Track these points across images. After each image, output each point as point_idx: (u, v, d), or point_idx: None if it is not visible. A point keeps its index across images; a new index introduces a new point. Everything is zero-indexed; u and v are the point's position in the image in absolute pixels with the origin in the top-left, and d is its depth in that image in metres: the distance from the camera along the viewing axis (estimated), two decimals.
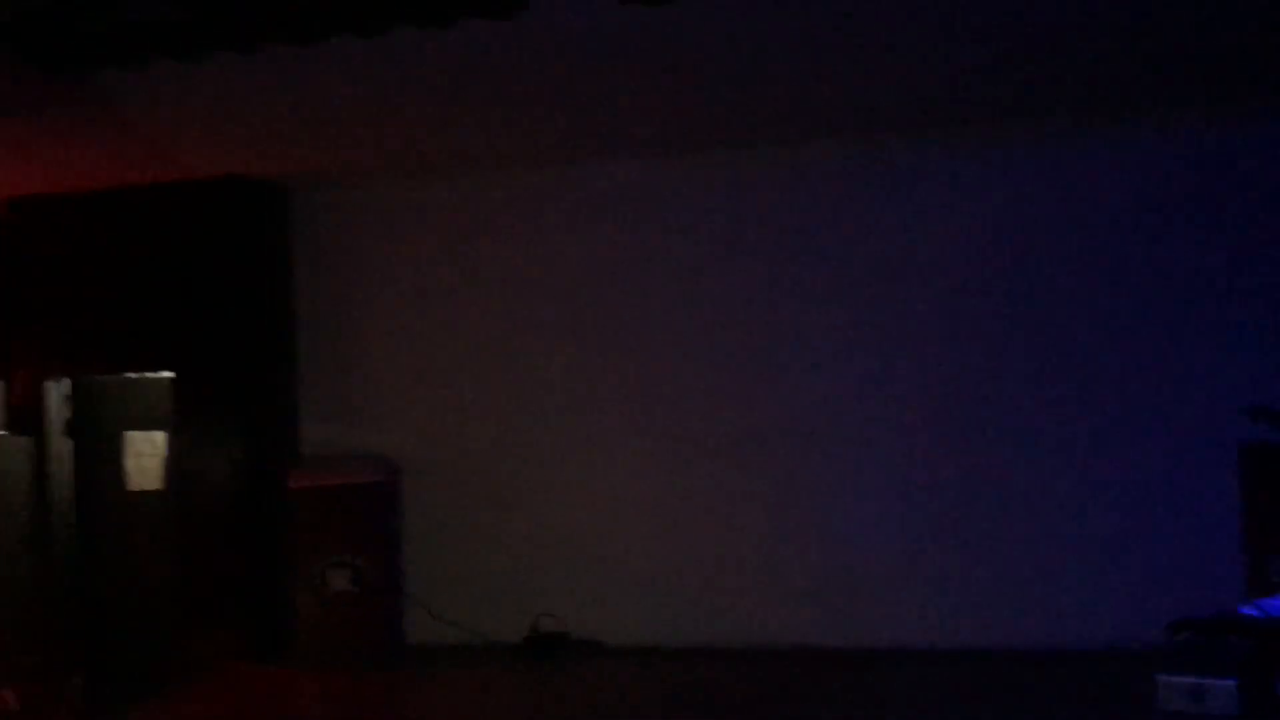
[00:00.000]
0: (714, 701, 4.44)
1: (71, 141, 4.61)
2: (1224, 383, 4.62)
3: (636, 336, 5.24)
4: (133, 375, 4.84)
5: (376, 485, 5.24)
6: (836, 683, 4.62)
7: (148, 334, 5.37)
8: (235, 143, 4.74)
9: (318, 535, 5.19)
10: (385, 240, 5.55)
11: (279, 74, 3.76)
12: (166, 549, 4.75)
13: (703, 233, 5.19)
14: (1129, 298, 4.77)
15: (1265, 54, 3.94)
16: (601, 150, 5.10)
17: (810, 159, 5.05)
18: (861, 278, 5.03)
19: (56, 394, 4.74)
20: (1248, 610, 2.47)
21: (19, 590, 4.61)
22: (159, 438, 4.79)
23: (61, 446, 4.61)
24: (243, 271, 5.39)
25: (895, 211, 5.00)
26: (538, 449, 5.33)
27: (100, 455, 4.64)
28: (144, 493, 4.76)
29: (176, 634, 4.96)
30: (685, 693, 4.56)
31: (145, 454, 4.77)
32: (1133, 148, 4.76)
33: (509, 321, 5.41)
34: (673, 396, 5.19)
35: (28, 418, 5.21)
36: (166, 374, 4.87)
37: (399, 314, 5.55)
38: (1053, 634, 4.73)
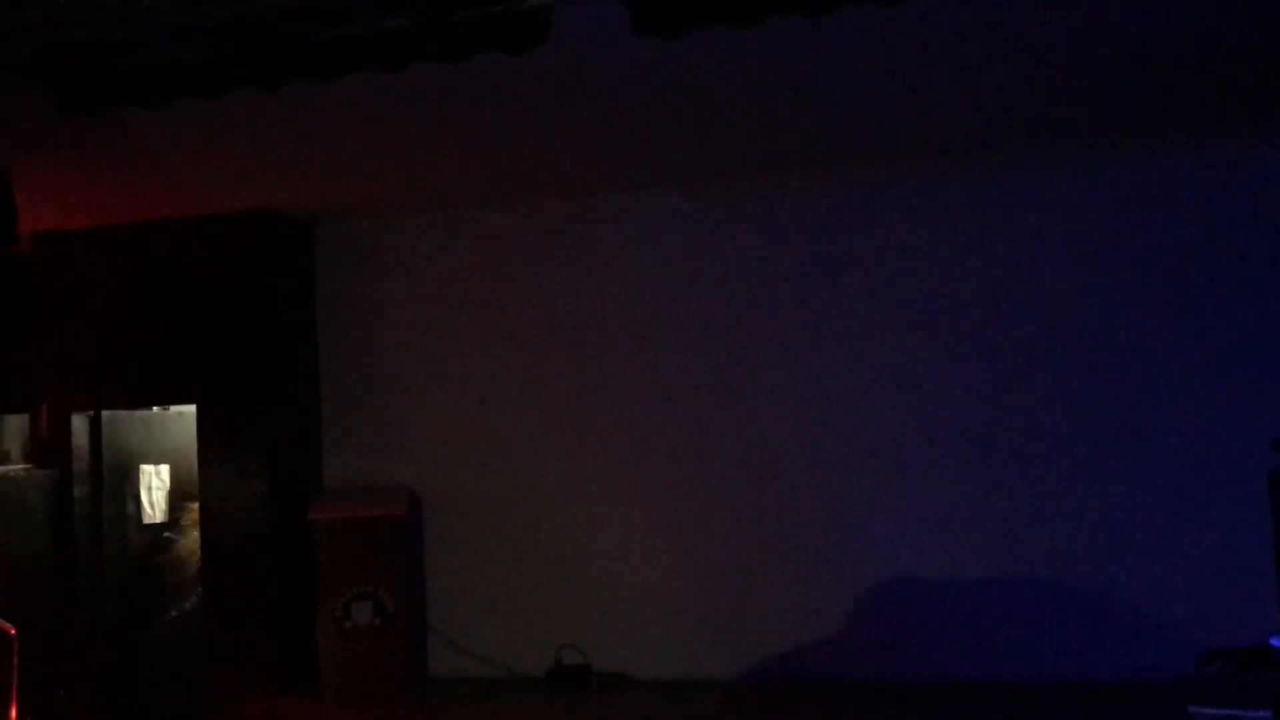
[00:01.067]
0: None
1: (96, 178, 4.66)
2: (1253, 408, 4.56)
3: (661, 369, 5.23)
4: (156, 409, 4.88)
5: (399, 517, 5.22)
6: (868, 717, 4.57)
7: (173, 367, 5.40)
8: (258, 177, 4.79)
9: (340, 568, 5.18)
10: (408, 272, 5.58)
11: (301, 109, 3.80)
12: (188, 583, 4.78)
13: (729, 262, 5.18)
14: (1155, 324, 4.74)
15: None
16: (625, 181, 5.11)
17: (813, 188, 5.06)
18: (877, 309, 5.01)
19: (81, 427, 4.79)
20: (1278, 642, 2.43)
21: (42, 625, 4.61)
22: (165, 471, 4.81)
23: (85, 480, 4.64)
24: (267, 304, 5.42)
25: (912, 238, 4.98)
26: (561, 481, 5.31)
27: (122, 489, 4.67)
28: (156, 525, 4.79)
29: (201, 669, 4.97)
30: None
31: (156, 487, 4.81)
32: (1159, 170, 4.74)
33: (533, 353, 5.41)
34: (697, 428, 5.17)
35: (54, 451, 5.27)
36: (189, 407, 4.91)
37: (422, 345, 5.56)
38: (1083, 666, 4.66)
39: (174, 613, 5.50)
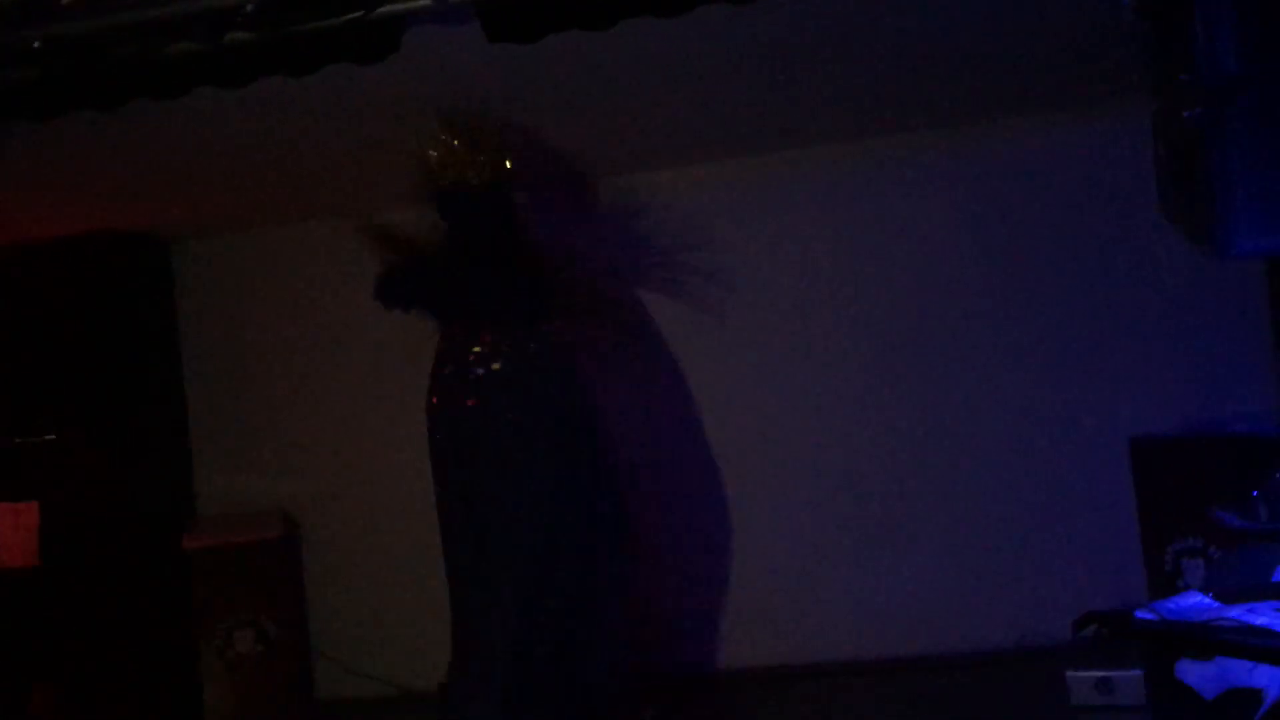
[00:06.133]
0: None
1: None
2: (1116, 379, 4.71)
3: None
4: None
5: (277, 540, 5.11)
6: (752, 700, 4.62)
7: (30, 397, 5.15)
8: (107, 197, 4.61)
9: (219, 596, 5.05)
10: (275, 287, 5.43)
11: (142, 128, 3.66)
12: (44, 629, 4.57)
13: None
14: (1018, 293, 4.84)
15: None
16: None
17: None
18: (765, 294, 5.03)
19: None
20: (1144, 615, 2.51)
21: None
22: (25, 508, 4.61)
23: None
24: (125, 327, 5.21)
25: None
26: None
27: None
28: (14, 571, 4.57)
29: (79, 715, 4.79)
30: None
31: (10, 527, 4.58)
32: (1028, 150, 4.82)
33: (404, 365, 5.31)
34: None
35: None
36: (43, 438, 4.73)
37: (292, 363, 5.42)
38: (960, 639, 4.77)
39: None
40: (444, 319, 4.11)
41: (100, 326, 5.14)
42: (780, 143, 4.87)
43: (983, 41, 3.81)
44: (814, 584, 4.95)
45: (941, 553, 4.85)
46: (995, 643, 4.72)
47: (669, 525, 4.99)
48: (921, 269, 4.92)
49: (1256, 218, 2.45)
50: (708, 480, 5.04)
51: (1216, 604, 2.53)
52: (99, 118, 3.26)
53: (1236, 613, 2.43)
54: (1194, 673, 3.53)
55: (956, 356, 4.89)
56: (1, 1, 2.95)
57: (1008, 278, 4.85)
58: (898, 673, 4.67)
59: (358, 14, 2.98)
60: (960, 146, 4.84)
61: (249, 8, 2.92)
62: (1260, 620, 2.37)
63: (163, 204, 4.84)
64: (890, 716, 4.34)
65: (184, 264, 5.50)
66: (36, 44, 2.99)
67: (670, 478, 5.04)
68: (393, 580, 5.24)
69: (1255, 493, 3.45)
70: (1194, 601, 2.56)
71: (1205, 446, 4.29)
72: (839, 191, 4.98)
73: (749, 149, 4.93)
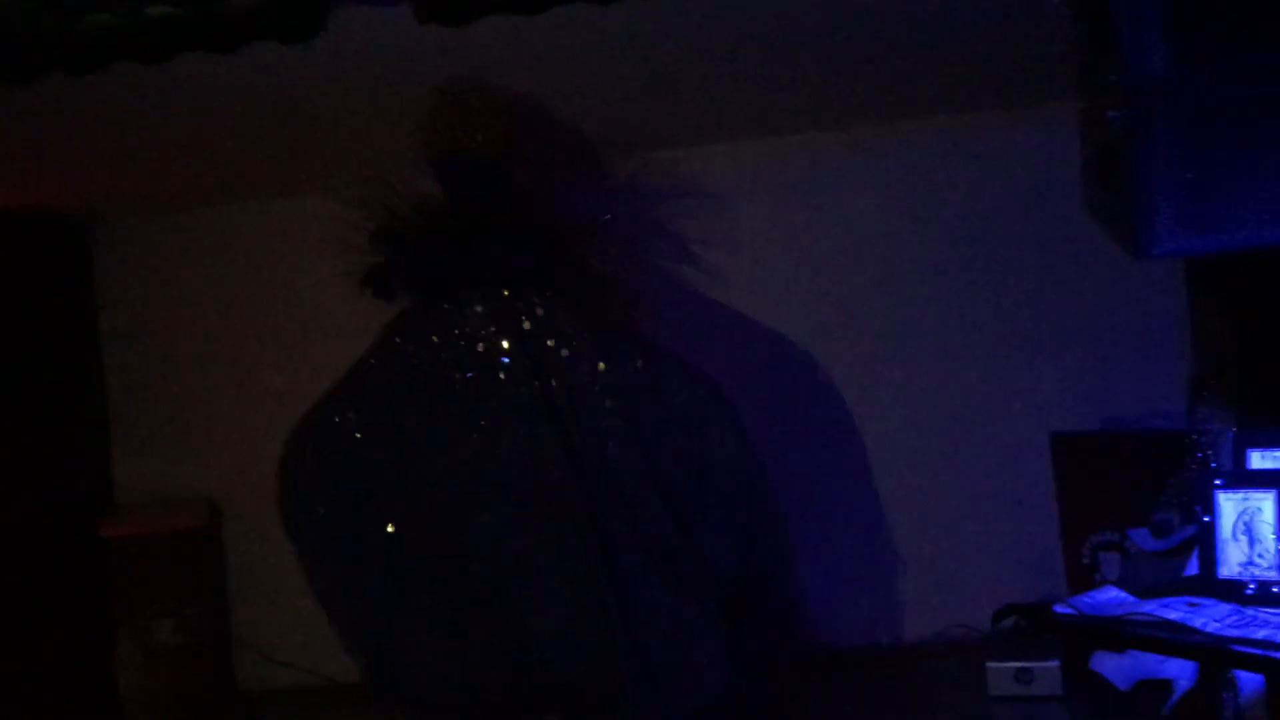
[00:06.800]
0: None
1: None
2: (1038, 375, 4.77)
3: None
4: None
5: (198, 528, 5.03)
6: None
7: None
8: (19, 173, 4.47)
9: (138, 585, 4.95)
10: (198, 270, 5.30)
11: (58, 102, 3.55)
12: None
13: None
14: (946, 289, 4.88)
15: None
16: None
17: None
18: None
19: None
20: (1062, 608, 2.55)
21: None
22: None
23: None
24: (39, 309, 5.07)
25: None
26: None
27: None
28: None
29: None
30: None
31: None
32: (960, 147, 4.85)
33: (331, 348, 5.23)
34: None
35: None
36: None
37: (214, 347, 5.31)
38: (882, 630, 4.82)
39: None
40: (433, 292, 3.99)
41: (13, 308, 4.99)
42: (716, 135, 4.87)
43: (917, 38, 3.83)
44: None
45: (864, 544, 4.89)
46: (917, 635, 4.77)
47: None
48: (850, 263, 4.94)
49: (1178, 220, 2.49)
50: None
51: (1132, 599, 2.57)
52: (10, 91, 3.15)
53: (1150, 607, 2.47)
54: (1109, 664, 3.61)
55: (882, 349, 4.92)
56: None
57: (936, 273, 4.89)
58: (818, 664, 4.70)
59: None
60: (893, 143, 4.87)
61: None
62: (1173, 615, 2.42)
63: (80, 183, 4.71)
64: (811, 708, 4.36)
65: (104, 245, 5.35)
66: None
67: None
68: None
69: (1170, 482, 3.53)
70: (1110, 596, 2.60)
71: (1123, 442, 4.38)
72: (774, 184, 4.99)
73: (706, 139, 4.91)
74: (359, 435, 4.06)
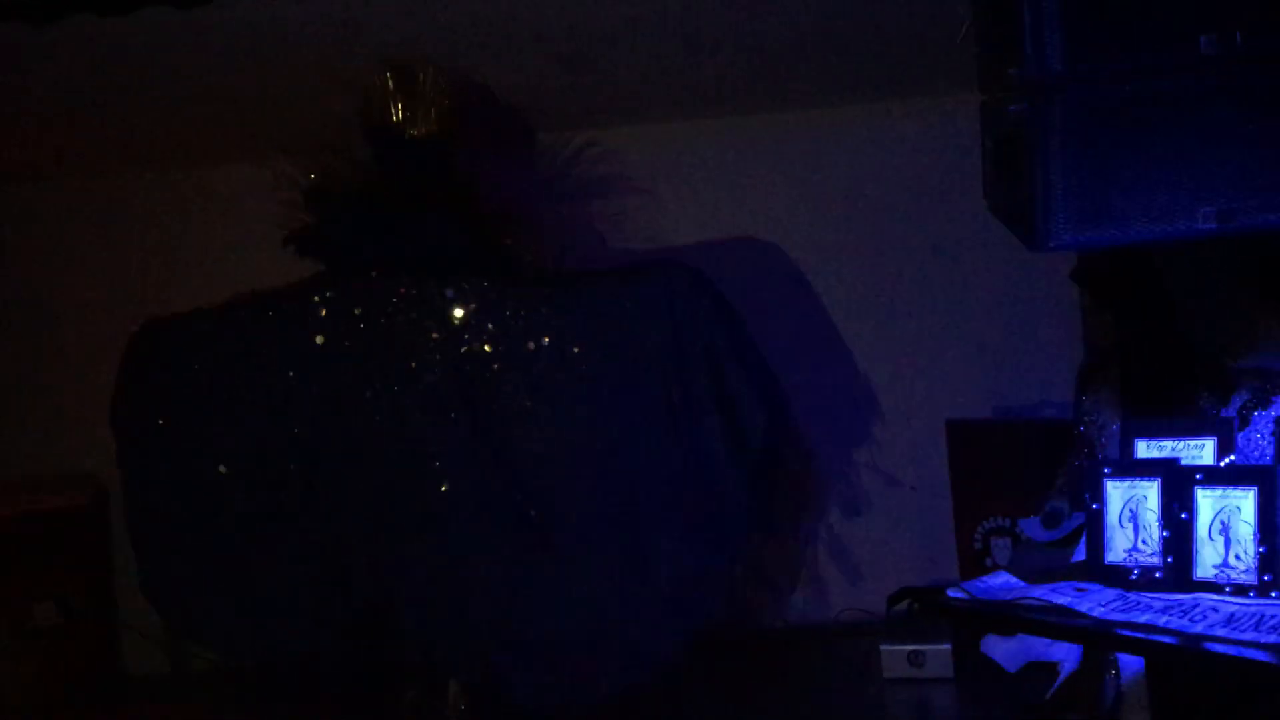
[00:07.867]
0: None
1: None
2: (931, 358, 4.85)
3: None
4: None
5: (81, 507, 4.87)
6: None
7: None
8: None
9: (17, 566, 4.75)
10: (87, 241, 5.12)
11: None
12: None
13: None
14: (848, 276, 4.93)
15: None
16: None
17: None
18: None
19: None
20: (954, 592, 2.60)
21: None
22: None
23: None
24: None
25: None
26: None
27: None
28: None
29: None
30: None
31: None
32: (862, 136, 4.89)
33: None
34: None
35: None
36: None
37: (104, 320, 5.09)
38: (778, 613, 4.86)
39: None
40: (360, 264, 3.91)
41: None
42: (626, 119, 4.84)
43: (820, 25, 3.85)
44: None
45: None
46: (811, 618, 4.83)
47: None
48: (753, 249, 4.96)
49: (1073, 212, 2.54)
50: None
51: (1022, 584, 2.62)
52: None
53: (1040, 592, 2.53)
54: (998, 647, 3.70)
55: (784, 334, 4.95)
56: None
57: (838, 261, 4.94)
58: (716, 646, 4.73)
59: None
60: (796, 130, 4.90)
61: None
62: (1061, 599, 2.48)
63: None
64: (708, 689, 4.39)
65: None
66: None
67: None
68: None
69: (1060, 471, 3.62)
70: (1001, 581, 2.65)
71: (1015, 430, 4.48)
72: (689, 167, 4.98)
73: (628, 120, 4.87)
74: (227, 363, 4.00)
